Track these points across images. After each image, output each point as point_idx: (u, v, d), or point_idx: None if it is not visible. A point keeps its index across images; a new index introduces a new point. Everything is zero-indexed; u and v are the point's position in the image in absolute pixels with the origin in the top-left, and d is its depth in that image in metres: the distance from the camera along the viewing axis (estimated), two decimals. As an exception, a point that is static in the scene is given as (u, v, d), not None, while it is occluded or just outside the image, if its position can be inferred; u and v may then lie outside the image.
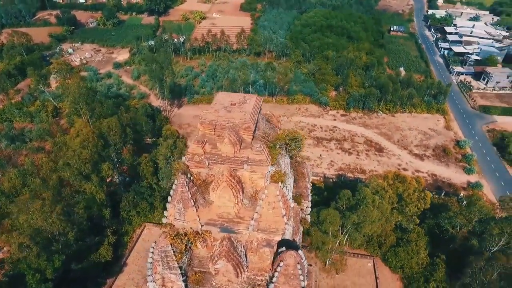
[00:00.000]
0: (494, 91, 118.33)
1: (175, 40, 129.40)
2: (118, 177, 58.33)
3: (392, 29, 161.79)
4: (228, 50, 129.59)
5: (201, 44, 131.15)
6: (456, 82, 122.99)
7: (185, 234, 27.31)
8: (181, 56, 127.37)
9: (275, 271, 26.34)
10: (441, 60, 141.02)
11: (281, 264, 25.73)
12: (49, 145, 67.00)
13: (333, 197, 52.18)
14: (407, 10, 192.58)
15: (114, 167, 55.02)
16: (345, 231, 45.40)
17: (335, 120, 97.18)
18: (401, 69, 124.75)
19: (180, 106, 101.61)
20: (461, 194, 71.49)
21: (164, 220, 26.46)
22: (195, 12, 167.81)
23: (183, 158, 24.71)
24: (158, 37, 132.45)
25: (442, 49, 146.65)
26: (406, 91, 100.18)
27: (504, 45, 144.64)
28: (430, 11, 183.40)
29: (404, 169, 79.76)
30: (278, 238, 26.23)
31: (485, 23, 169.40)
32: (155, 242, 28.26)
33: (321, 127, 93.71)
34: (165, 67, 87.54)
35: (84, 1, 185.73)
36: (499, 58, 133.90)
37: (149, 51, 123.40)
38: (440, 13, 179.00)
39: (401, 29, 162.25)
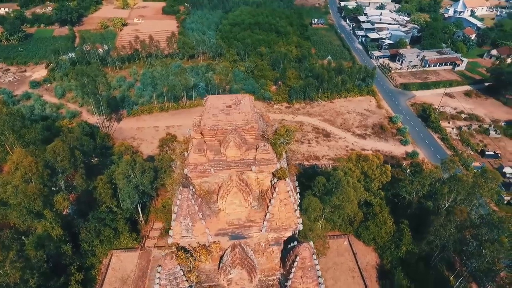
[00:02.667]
0: (408, 70, 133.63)
1: (100, 50, 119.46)
2: (72, 207, 52.10)
3: (313, 22, 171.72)
4: (160, 55, 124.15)
5: (130, 52, 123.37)
6: (377, 65, 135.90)
7: (193, 251, 25.73)
8: (109, 66, 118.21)
9: (291, 266, 26.33)
10: (360, 47, 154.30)
11: (297, 258, 25.79)
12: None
13: (299, 185, 53.87)
14: (323, 3, 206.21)
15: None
16: (323, 215, 47.43)
17: (281, 113, 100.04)
18: (329, 58, 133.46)
19: (119, 120, 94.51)
20: (404, 164, 79.59)
21: (169, 241, 24.45)
22: (114, 19, 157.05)
23: (185, 170, 23.10)
24: (78, 48, 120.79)
25: (359, 36, 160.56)
26: (339, 78, 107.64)
27: (408, 29, 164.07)
28: (343, 3, 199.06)
29: (352, 150, 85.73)
30: (289, 234, 26.26)
31: (390, 11, 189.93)
32: (159, 265, 26.00)
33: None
34: (99, 80, 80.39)
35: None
36: (407, 40, 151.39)
37: (71, 64, 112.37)
38: (351, 4, 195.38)
39: (321, 21, 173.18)
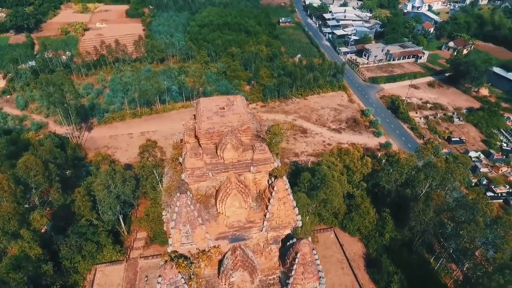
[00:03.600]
0: (375, 64, 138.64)
1: (63, 57, 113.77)
2: (49, 223, 49.20)
3: (280, 20, 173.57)
4: (128, 60, 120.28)
5: (95, 58, 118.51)
6: (345, 60, 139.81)
7: (193, 257, 25.20)
8: (74, 73, 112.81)
9: (292, 264, 26.52)
10: (328, 44, 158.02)
11: (298, 255, 26.01)
12: None
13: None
14: (288, 2, 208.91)
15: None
16: (310, 210, 48.26)
17: (257, 112, 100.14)
18: (298, 55, 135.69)
19: (90, 129, 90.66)
20: (379, 155, 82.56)
21: (168, 249, 23.79)
22: (75, 24, 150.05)
23: (182, 175, 22.54)
24: (39, 56, 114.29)
25: (326, 33, 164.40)
26: (311, 75, 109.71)
27: (371, 25, 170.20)
28: (307, 1, 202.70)
29: (329, 144, 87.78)
30: (288, 232, 26.44)
31: (353, 7, 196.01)
32: (159, 276, 25.23)
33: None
34: (66, 88, 76.56)
35: None
36: (371, 36, 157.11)
37: (32, 73, 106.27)
38: (316, 2, 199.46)
39: (288, 20, 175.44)
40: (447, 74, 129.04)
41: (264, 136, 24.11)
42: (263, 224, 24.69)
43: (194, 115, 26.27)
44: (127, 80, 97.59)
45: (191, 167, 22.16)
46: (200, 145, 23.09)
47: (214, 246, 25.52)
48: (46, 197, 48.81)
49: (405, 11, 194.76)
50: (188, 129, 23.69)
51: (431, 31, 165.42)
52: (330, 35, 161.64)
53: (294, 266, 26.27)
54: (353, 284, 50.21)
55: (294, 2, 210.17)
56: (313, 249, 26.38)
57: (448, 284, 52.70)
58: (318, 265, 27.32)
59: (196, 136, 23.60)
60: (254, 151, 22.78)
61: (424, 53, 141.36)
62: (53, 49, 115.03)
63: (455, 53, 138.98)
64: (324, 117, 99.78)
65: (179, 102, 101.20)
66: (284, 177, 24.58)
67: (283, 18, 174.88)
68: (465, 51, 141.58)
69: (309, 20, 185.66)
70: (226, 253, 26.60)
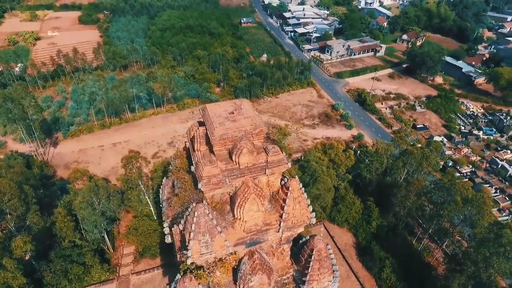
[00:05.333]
0: (338, 60, 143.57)
1: (16, 69, 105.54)
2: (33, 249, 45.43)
3: (242, 21, 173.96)
4: (88, 69, 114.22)
5: (52, 68, 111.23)
6: (309, 57, 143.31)
7: (210, 267, 24.68)
8: (29, 86, 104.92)
9: (307, 261, 26.87)
10: (291, 42, 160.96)
11: (314, 252, 26.42)
12: None
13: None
14: (247, 2, 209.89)
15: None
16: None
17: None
18: (264, 55, 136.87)
19: (55, 145, 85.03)
20: (354, 146, 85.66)
21: (188, 261, 23.07)
22: (24, 33, 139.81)
23: (199, 185, 21.93)
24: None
25: (288, 32, 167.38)
26: (280, 74, 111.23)
27: (330, 22, 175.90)
28: (267, 1, 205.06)
29: (305, 140, 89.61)
30: (302, 230, 26.73)
31: (311, 6, 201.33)
32: (177, 290, 24.42)
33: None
34: (27, 102, 71.15)
35: None
36: (331, 33, 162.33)
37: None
38: (275, 1, 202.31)
39: (250, 20, 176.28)
40: (404, 66, 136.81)
41: (274, 137, 24.21)
42: (279, 225, 24.78)
43: (199, 121, 25.71)
44: (93, 90, 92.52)
45: (207, 175, 21.66)
46: (213, 152, 22.63)
47: (231, 253, 25.22)
48: (23, 221, 45.08)
49: (360, 7, 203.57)
50: (199, 136, 23.11)
51: (385, 25, 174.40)
52: (292, 34, 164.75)
53: (311, 263, 26.68)
54: (348, 273, 51.80)
55: (253, 2, 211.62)
56: (327, 244, 26.96)
57: (431, 262, 56.14)
58: (332, 259, 27.99)
59: (207, 143, 23.13)
60: (268, 153, 22.77)
61: (381, 47, 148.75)
62: (3, 62, 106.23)
63: (410, 45, 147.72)
64: (297, 114, 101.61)
65: (149, 109, 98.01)
66: (297, 177, 24.83)
67: (244, 19, 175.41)
68: (418, 43, 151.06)
69: (270, 20, 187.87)
70: (241, 258, 26.38)
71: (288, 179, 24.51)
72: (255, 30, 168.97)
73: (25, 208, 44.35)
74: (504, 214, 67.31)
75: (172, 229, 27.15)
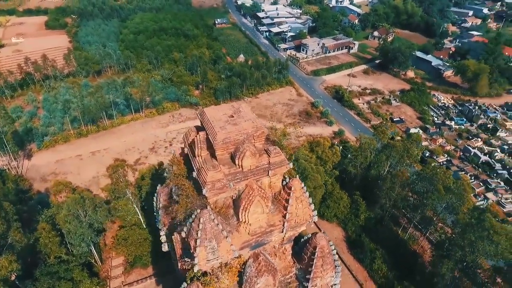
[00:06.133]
0: (313, 58, 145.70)
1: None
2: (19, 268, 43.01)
3: (216, 22, 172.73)
4: (59, 76, 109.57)
5: (20, 77, 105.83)
6: (285, 56, 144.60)
7: (215, 272, 24.41)
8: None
9: (311, 258, 27.18)
10: (266, 42, 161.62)
11: (317, 249, 26.76)
12: None
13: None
14: (220, 3, 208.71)
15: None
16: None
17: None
18: (241, 56, 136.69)
19: (29, 157, 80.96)
20: (336, 142, 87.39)
21: (195, 269, 22.74)
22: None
23: (203, 191, 21.64)
24: None
25: (263, 32, 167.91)
26: (259, 73, 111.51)
27: (304, 20, 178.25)
28: (240, 1, 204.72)
29: (288, 138, 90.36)
30: (304, 229, 27.01)
31: (283, 5, 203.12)
32: (185, 299, 23.99)
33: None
34: (-3, 114, 67.46)
35: None
36: (306, 31, 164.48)
37: None
38: (248, 2, 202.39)
39: (224, 21, 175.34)
40: (377, 61, 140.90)
41: (275, 138, 24.31)
42: (283, 225, 24.93)
43: (196, 126, 25.40)
44: (66, 98, 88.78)
45: (212, 180, 21.43)
46: (215, 156, 22.38)
47: (237, 257, 25.10)
48: (4, 240, 42.62)
49: (331, 5, 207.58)
50: (200, 141, 22.81)
51: (356, 22, 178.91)
52: (267, 33, 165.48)
53: (314, 261, 27.03)
54: (340, 267, 52.71)
55: (226, 2, 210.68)
56: (329, 241, 27.39)
57: (417, 250, 58.32)
58: (334, 255, 28.48)
59: (208, 148, 22.86)
60: (270, 154, 22.85)
61: (355, 44, 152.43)
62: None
63: (381, 41, 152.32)
64: (278, 113, 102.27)
65: (127, 115, 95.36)
66: (297, 176, 25.06)
67: (218, 20, 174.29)
68: (389, 39, 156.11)
69: (244, 20, 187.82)
70: (246, 261, 26.31)
71: (289, 179, 24.70)
72: (230, 30, 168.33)
73: (6, 226, 41.95)
74: (479, 199, 70.97)
75: (173, 237, 26.69)
